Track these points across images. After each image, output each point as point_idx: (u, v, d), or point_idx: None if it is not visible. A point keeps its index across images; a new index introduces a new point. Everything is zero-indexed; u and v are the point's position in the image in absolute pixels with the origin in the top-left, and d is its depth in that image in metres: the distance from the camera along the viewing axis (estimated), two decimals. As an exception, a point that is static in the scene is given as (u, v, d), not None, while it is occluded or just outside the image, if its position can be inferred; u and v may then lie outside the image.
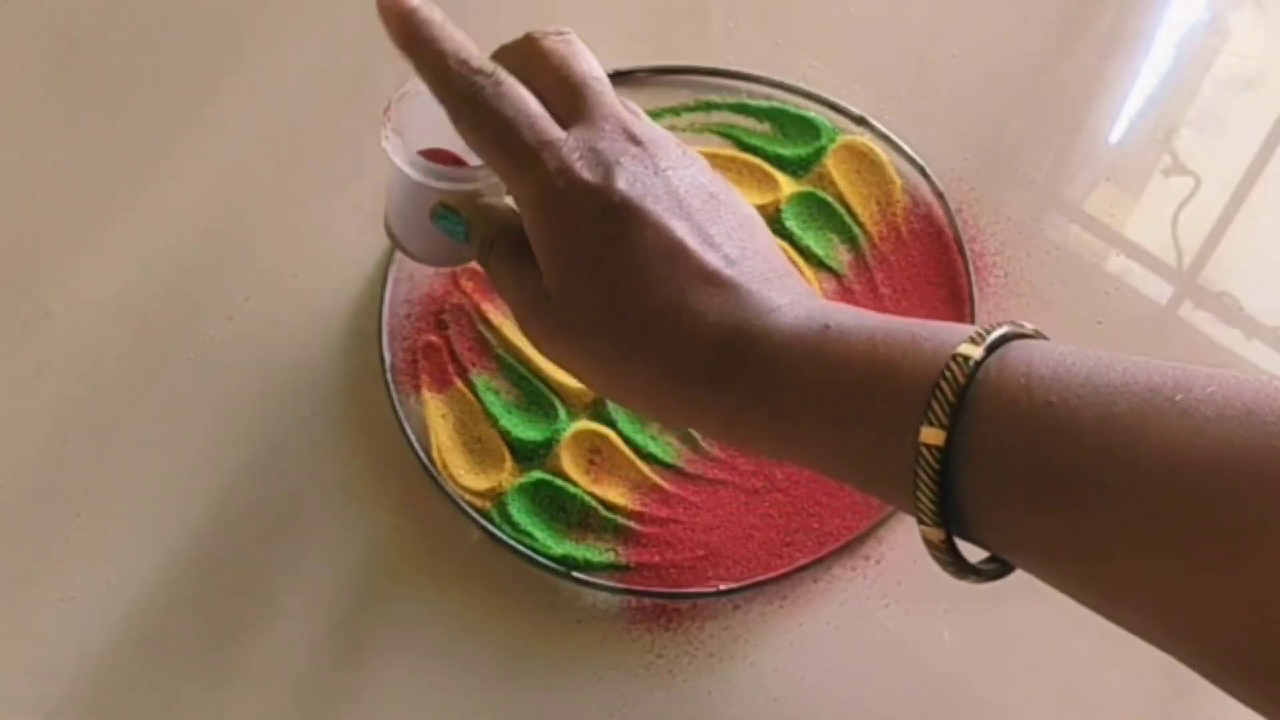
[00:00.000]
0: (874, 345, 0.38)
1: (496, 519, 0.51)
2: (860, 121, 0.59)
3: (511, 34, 0.61)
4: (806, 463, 0.41)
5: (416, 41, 0.43)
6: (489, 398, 0.53)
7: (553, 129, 0.42)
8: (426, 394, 0.53)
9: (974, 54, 0.62)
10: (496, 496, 0.51)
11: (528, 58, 0.44)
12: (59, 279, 0.55)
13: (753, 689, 0.49)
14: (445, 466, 0.52)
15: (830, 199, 0.57)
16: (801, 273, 0.55)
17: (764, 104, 0.59)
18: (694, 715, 0.48)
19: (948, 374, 0.36)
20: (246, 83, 0.60)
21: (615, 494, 0.51)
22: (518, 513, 0.51)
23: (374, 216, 0.57)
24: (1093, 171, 0.60)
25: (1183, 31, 0.65)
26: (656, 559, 0.51)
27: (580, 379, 0.45)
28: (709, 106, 0.59)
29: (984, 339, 0.37)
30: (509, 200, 0.45)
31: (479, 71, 0.43)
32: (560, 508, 0.51)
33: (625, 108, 0.44)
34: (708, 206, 0.42)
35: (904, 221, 0.57)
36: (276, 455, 0.52)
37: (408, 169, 0.46)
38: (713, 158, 0.58)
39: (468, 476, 0.52)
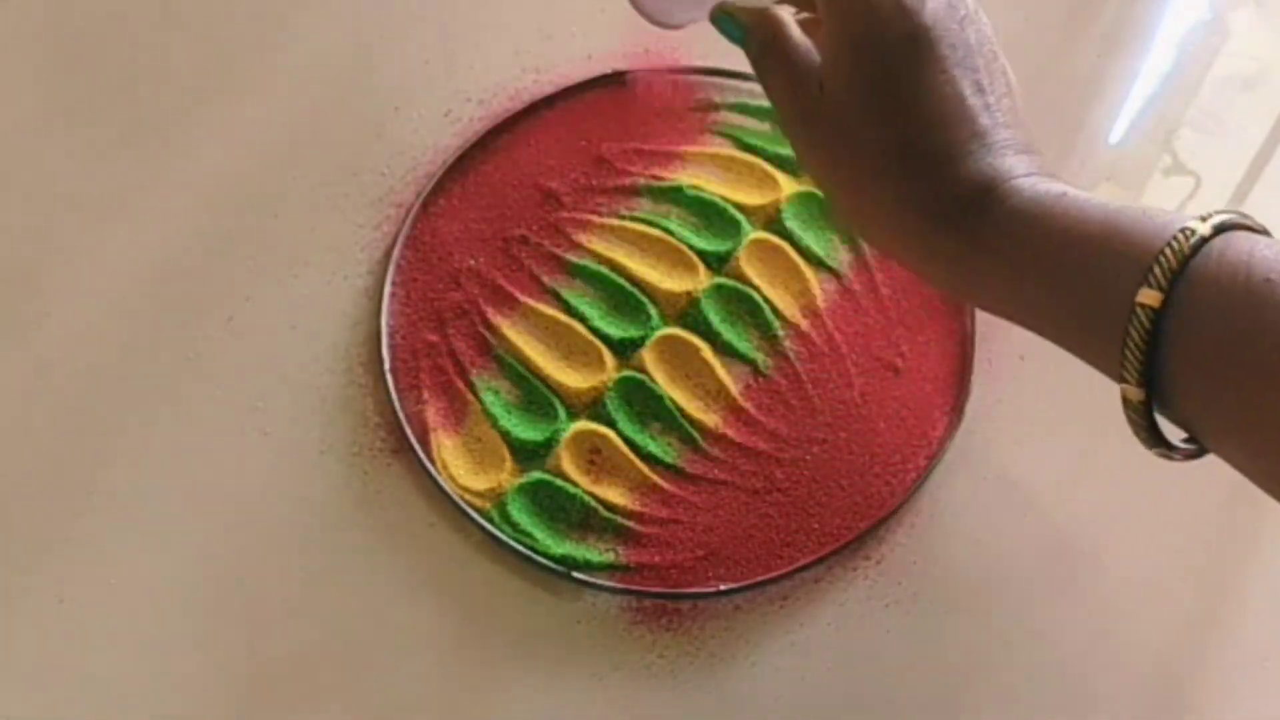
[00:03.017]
0: (1106, 213, 0.40)
1: (496, 519, 0.51)
2: (860, 121, 0.59)
3: (509, 30, 0.61)
4: (1021, 316, 0.43)
5: None
6: (489, 398, 0.53)
7: None
8: (426, 394, 0.53)
9: (974, 54, 0.62)
10: (496, 496, 0.51)
11: None
12: (59, 279, 0.55)
13: (753, 689, 0.49)
14: (445, 466, 0.52)
15: (830, 199, 0.57)
16: (802, 273, 0.55)
17: (764, 104, 0.59)
18: (694, 715, 0.48)
19: (1174, 243, 0.38)
20: (246, 82, 0.60)
21: (615, 494, 0.51)
22: (518, 513, 0.51)
23: (375, 217, 0.57)
24: (1093, 171, 0.60)
25: (1183, 31, 0.65)
26: (657, 559, 0.51)
27: (826, 193, 0.47)
28: (709, 106, 0.59)
29: (1210, 219, 0.39)
30: (773, 8, 0.48)
31: None
32: (560, 508, 0.51)
33: None
34: (991, 66, 0.44)
35: (904, 221, 0.57)
36: (276, 456, 0.52)
37: None
38: (713, 158, 0.58)
39: (468, 476, 0.52)
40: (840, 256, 0.56)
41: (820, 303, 0.55)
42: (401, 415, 0.53)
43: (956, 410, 0.53)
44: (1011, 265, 0.42)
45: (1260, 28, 0.65)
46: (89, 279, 0.55)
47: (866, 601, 0.50)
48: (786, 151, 0.58)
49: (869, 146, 0.44)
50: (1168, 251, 0.38)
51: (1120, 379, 0.39)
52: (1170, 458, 0.40)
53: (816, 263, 0.56)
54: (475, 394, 0.53)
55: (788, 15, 0.48)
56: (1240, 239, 0.38)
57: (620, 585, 0.50)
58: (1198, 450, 0.40)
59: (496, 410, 0.53)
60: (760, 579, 0.50)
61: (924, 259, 0.45)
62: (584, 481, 0.51)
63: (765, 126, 0.59)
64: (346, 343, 0.54)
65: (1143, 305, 0.38)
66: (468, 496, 0.51)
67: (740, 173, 0.58)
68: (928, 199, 0.43)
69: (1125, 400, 0.39)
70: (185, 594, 0.50)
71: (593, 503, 0.51)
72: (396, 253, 0.56)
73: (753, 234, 0.56)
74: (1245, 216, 0.40)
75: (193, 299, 0.55)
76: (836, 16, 0.44)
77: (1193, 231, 0.38)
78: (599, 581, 0.50)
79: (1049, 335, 0.42)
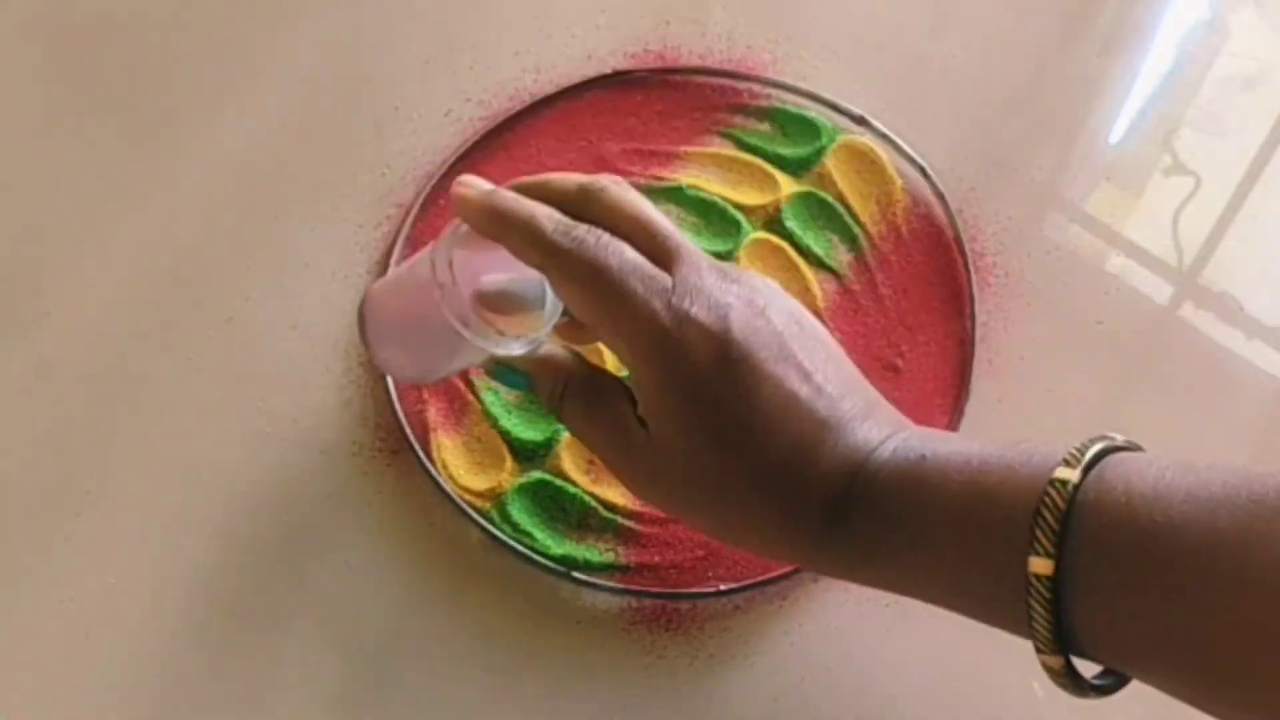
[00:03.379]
0: (970, 475, 0.39)
1: (496, 519, 0.51)
2: (860, 121, 0.59)
3: (509, 30, 0.62)
4: (921, 597, 0.42)
5: (504, 219, 0.43)
6: (489, 398, 0.53)
7: (660, 274, 0.42)
8: (426, 394, 0.53)
9: (974, 54, 0.62)
10: (496, 496, 0.51)
11: (600, 208, 0.44)
12: (59, 279, 0.55)
13: (753, 689, 0.49)
14: (445, 466, 0.52)
15: (830, 199, 0.57)
16: (801, 273, 0.55)
17: (764, 104, 0.59)
18: (694, 715, 0.48)
19: (1048, 500, 0.37)
20: (246, 84, 0.60)
21: (615, 494, 0.51)
22: (518, 513, 0.51)
23: (375, 217, 0.57)
24: (1093, 171, 0.60)
25: (1183, 31, 0.65)
26: (656, 559, 0.51)
27: (684, 521, 0.46)
28: (709, 107, 0.59)
29: (1079, 459, 0.37)
30: (551, 348, 0.46)
31: (576, 227, 0.43)
32: (560, 508, 0.51)
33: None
34: (804, 342, 0.42)
35: (904, 221, 0.57)
36: (276, 456, 0.52)
37: (465, 331, 0.43)
38: (713, 158, 0.58)
39: (468, 476, 0.52)
40: (840, 257, 0.56)
41: (820, 303, 0.55)
42: (401, 415, 0.53)
43: (956, 410, 0.53)
44: (896, 552, 0.40)
45: (1260, 28, 0.65)
46: (89, 279, 0.55)
47: (866, 602, 0.50)
48: (787, 152, 0.58)
49: (720, 481, 0.41)
50: (1046, 515, 0.36)
51: (1036, 649, 0.38)
52: (1098, 698, 0.39)
53: (816, 263, 0.56)
54: (475, 394, 0.53)
55: (568, 355, 0.45)
56: (1112, 475, 0.37)
57: (620, 585, 0.50)
58: (1116, 683, 0.39)
59: (496, 410, 0.53)
60: (760, 579, 0.50)
61: (809, 562, 0.44)
62: (584, 481, 0.51)
63: (765, 127, 0.59)
64: (346, 343, 0.54)
65: (1037, 575, 0.36)
66: (468, 496, 0.51)
67: (740, 173, 0.57)
68: (796, 514, 0.41)
69: (1046, 668, 0.38)
70: (185, 593, 0.50)
71: (592, 503, 0.51)
72: (396, 253, 0.56)
73: (753, 234, 0.56)
74: (1108, 437, 0.38)
75: (193, 299, 0.55)
76: (643, 361, 0.42)
77: (1063, 483, 0.37)
78: (599, 581, 0.50)
79: (952, 609, 0.41)
